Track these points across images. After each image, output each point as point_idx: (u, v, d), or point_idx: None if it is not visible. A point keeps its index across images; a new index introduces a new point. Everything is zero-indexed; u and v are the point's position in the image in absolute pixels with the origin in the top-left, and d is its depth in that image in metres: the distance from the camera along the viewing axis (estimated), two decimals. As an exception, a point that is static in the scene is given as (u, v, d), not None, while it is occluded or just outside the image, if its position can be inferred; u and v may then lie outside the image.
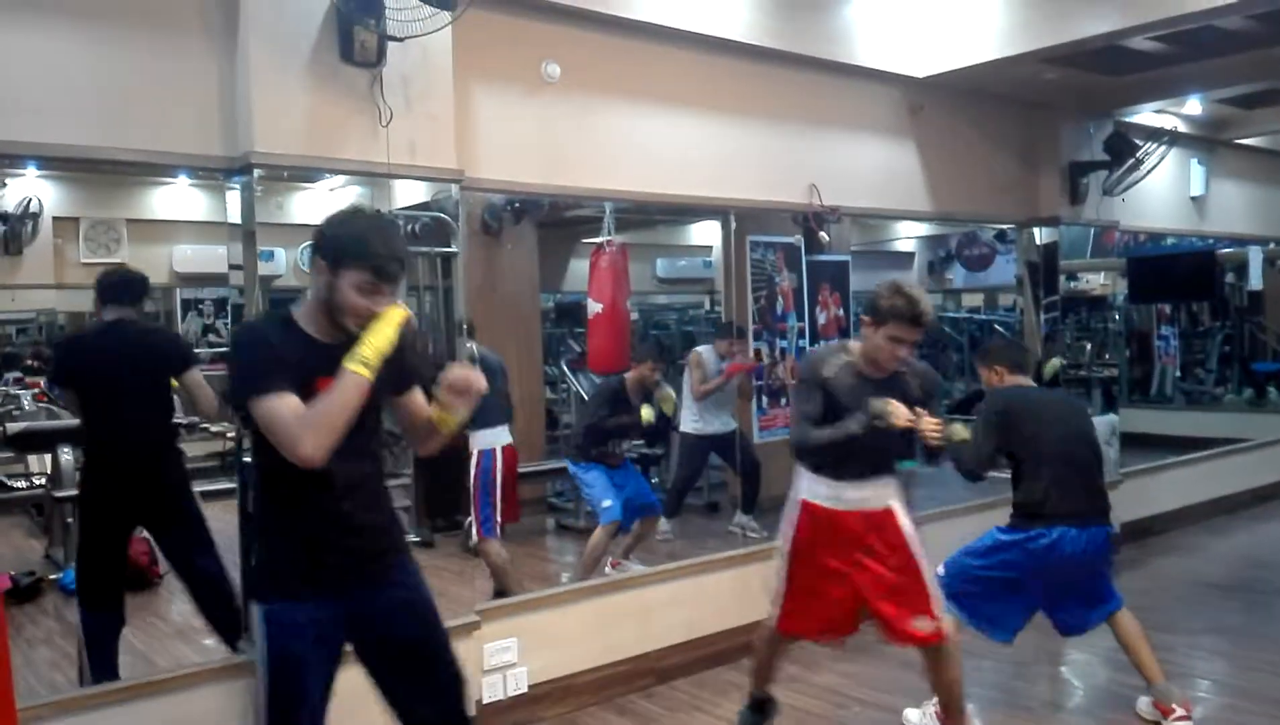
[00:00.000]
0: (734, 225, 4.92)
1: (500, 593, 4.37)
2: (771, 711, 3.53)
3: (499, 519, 4.55)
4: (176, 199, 7.04)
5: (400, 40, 3.28)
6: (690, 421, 5.80)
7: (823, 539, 3.09)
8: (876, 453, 3.04)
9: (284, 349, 2.10)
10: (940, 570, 3.52)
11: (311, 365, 2.09)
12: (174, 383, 3.73)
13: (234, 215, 3.33)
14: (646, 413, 5.14)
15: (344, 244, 2.11)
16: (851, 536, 3.06)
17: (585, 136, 4.16)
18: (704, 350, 5.85)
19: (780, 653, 3.39)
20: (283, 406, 2.03)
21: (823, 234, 5.03)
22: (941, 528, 5.50)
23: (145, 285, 3.78)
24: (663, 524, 5.63)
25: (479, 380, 2.20)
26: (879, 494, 3.08)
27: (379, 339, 2.08)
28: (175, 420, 3.80)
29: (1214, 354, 10.20)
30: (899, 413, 2.82)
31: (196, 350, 7.38)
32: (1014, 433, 3.65)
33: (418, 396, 2.35)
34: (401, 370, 2.26)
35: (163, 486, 3.60)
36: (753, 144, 4.72)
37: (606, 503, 5.01)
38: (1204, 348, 10.36)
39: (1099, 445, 3.76)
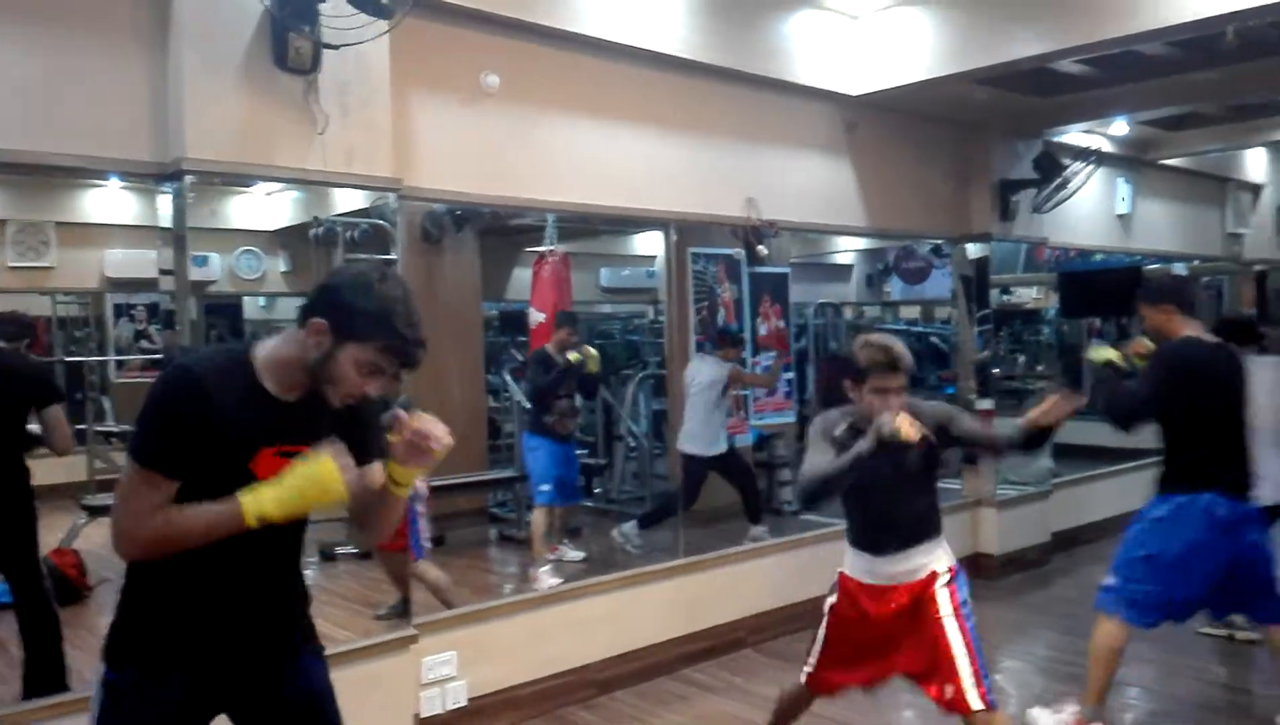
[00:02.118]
0: (675, 237, 4.95)
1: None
2: None
3: (427, 537, 4.44)
4: (108, 202, 6.85)
5: (336, 48, 3.25)
6: (690, 443, 5.62)
7: (857, 614, 3.02)
8: (913, 520, 2.96)
9: (226, 408, 1.73)
10: (1110, 580, 3.56)
11: (259, 430, 1.78)
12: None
13: (166, 220, 3.28)
14: (574, 355, 5.50)
15: (363, 316, 1.75)
16: (885, 613, 2.97)
17: (525, 147, 4.16)
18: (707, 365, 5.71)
19: (804, 708, 3.23)
20: (147, 492, 1.71)
21: (761, 247, 5.10)
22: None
23: None
24: (632, 535, 5.66)
25: (443, 432, 1.84)
26: (920, 564, 2.94)
27: (296, 500, 1.72)
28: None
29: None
30: (904, 424, 2.66)
31: (128, 357, 7.25)
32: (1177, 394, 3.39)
33: (375, 470, 1.95)
34: (361, 445, 1.92)
35: (6, 519, 3.49)
36: (692, 158, 4.76)
37: (545, 487, 5.50)
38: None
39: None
